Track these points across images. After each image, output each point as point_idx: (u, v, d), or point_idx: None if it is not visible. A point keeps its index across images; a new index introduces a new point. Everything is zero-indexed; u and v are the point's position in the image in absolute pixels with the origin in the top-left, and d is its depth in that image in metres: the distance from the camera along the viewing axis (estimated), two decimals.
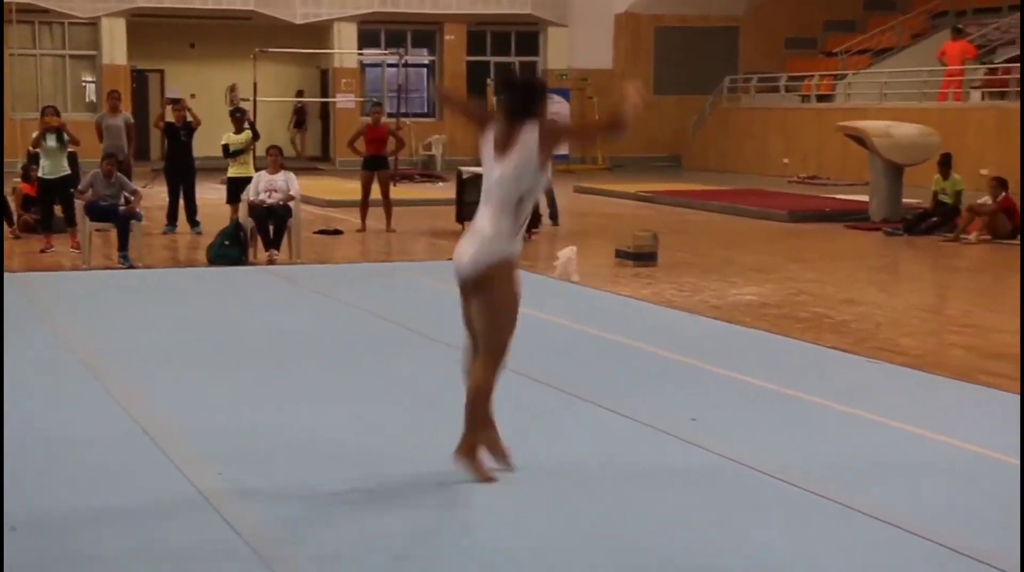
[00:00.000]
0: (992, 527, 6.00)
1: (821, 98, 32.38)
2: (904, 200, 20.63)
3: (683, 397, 8.65)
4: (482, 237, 6.47)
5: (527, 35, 37.17)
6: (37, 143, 17.30)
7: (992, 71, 28.22)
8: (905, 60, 31.98)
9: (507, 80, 6.85)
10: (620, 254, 15.90)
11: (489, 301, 6.45)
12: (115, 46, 34.09)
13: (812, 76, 33.39)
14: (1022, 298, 11.57)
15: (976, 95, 28.15)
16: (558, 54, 36.74)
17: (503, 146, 6.48)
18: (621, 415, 8.12)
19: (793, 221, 21.27)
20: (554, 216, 20.07)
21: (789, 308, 12.61)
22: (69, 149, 17.47)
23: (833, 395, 8.62)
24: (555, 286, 13.88)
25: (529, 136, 6.42)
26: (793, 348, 10.58)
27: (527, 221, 6.63)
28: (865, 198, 21.68)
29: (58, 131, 16.93)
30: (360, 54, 35.75)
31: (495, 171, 6.49)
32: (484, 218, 6.50)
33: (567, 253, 14.59)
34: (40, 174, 17.15)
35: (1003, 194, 18.22)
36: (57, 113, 17.61)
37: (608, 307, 12.71)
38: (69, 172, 17.23)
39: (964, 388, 9.04)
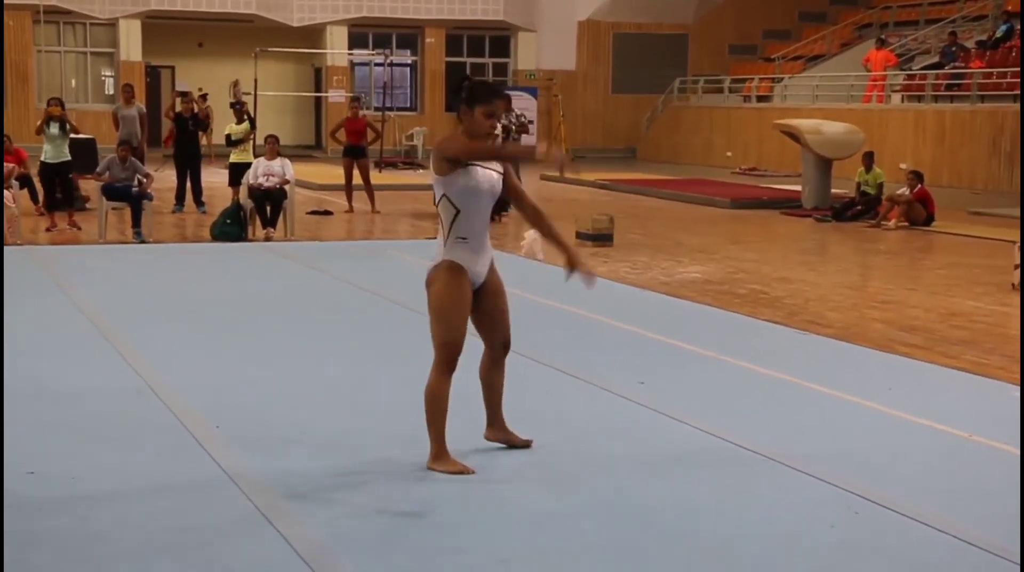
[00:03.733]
0: (903, 479, 6.02)
1: (760, 98, 32.42)
2: (832, 190, 20.67)
3: (633, 362, 8.65)
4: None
5: (499, 39, 37.07)
6: (40, 130, 16.92)
7: (911, 77, 28.30)
8: (834, 66, 32.07)
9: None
10: (580, 235, 15.89)
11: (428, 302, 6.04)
12: (131, 44, 33.90)
13: (752, 79, 33.43)
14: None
15: (896, 98, 28.23)
16: (527, 56, 36.67)
17: None
18: (578, 378, 8.12)
19: (734, 208, 21.30)
20: None
21: (729, 285, 12.63)
22: (82, 135, 17.29)
23: (766, 362, 8.64)
24: (521, 263, 13.86)
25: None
26: (732, 320, 10.60)
27: (453, 227, 5.97)
28: (798, 188, 21.72)
29: (61, 120, 16.74)
30: (350, 54, 35.62)
31: None
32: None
33: (532, 234, 14.54)
34: (43, 158, 16.84)
35: (919, 186, 18.27)
36: (61, 104, 17.33)
37: (568, 283, 12.67)
38: (69, 158, 16.95)
39: (882, 357, 9.07)
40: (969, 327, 10.38)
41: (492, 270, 6.21)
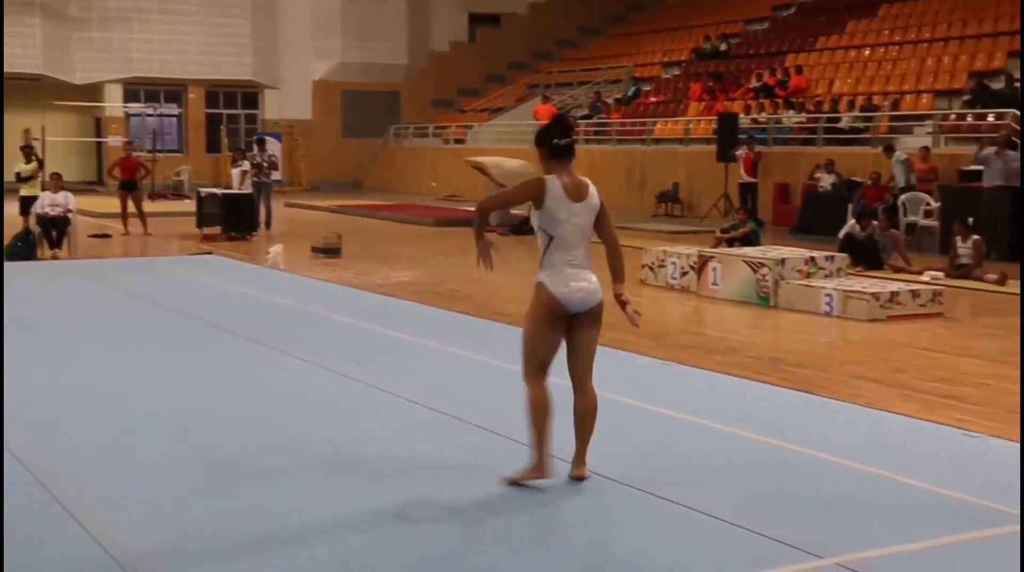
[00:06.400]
0: (557, 429, 6.21)
1: (457, 141, 32.74)
2: (512, 211, 21.01)
3: (354, 348, 8.64)
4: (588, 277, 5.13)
5: (250, 94, 36.26)
6: None
7: None
8: (512, 116, 32.69)
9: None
10: (314, 250, 15.74)
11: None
12: None
13: (451, 126, 33.77)
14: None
15: None
16: (272, 108, 35.99)
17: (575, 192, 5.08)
18: (307, 361, 8.06)
19: (438, 226, 21.45)
20: (268, 223, 19.72)
21: (432, 286, 12.72)
22: None
23: (459, 345, 8.76)
24: (266, 273, 13.64)
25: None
26: (433, 313, 10.67)
27: (546, 254, 5.10)
28: None
29: None
30: (125, 107, 34.13)
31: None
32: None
33: (276, 249, 14.38)
34: None
35: None
36: None
37: (304, 287, 12.56)
38: None
39: None
40: (610, 312, 10.70)
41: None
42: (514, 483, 5.02)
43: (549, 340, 5.03)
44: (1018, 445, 5.87)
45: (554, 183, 5.02)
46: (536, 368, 5.04)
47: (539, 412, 5.01)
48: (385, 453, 5.68)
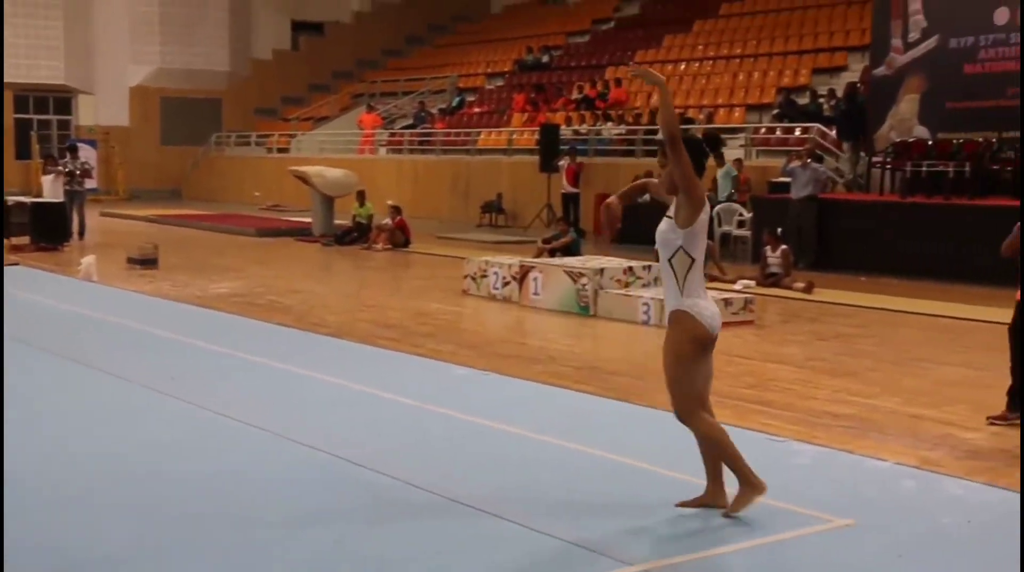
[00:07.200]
0: (372, 438, 6.16)
1: (280, 150, 32.25)
2: (335, 221, 20.83)
3: (169, 362, 8.36)
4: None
5: (62, 99, 34.80)
6: None
7: (393, 135, 29.10)
8: (337, 125, 32.46)
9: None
10: (130, 260, 15.20)
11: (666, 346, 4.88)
12: None
13: (273, 135, 33.22)
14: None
15: (383, 150, 28.95)
16: (87, 114, 34.65)
17: None
18: (118, 376, 7.75)
19: (259, 236, 21.04)
20: (81, 233, 18.92)
21: (251, 297, 12.45)
22: None
23: (278, 357, 8.58)
24: (78, 285, 13.09)
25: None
26: (252, 325, 10.45)
27: (687, 278, 4.77)
28: (309, 219, 21.74)
29: None
30: None
31: None
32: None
33: (89, 260, 13.81)
34: None
35: (399, 217, 18.78)
36: None
37: (118, 299, 12.10)
38: None
39: (366, 349, 9.24)
40: (432, 323, 10.76)
41: (669, 325, 4.90)
42: (734, 513, 4.80)
43: (703, 372, 4.82)
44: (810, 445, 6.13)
45: (707, 204, 4.78)
46: (697, 403, 4.78)
47: (724, 436, 4.81)
48: (194, 469, 5.49)
